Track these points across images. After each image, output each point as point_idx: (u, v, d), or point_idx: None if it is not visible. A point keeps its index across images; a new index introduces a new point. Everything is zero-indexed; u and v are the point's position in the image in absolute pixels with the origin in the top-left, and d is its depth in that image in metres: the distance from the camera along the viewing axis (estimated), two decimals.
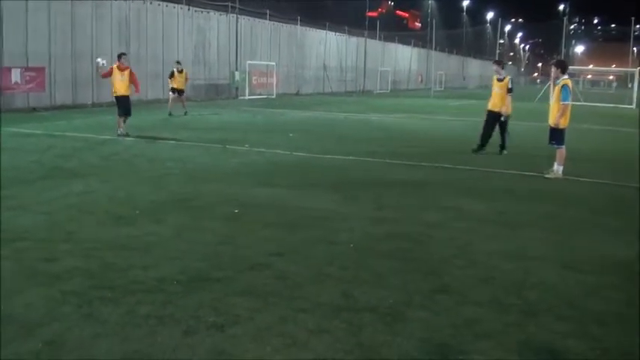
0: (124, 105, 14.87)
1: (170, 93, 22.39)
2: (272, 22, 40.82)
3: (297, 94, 42.35)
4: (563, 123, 10.68)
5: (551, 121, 10.77)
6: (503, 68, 14.15)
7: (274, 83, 38.61)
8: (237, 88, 35.18)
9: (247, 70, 35.72)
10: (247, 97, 34.67)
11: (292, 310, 4.40)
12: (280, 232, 6.48)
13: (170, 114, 21.25)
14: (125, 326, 4.07)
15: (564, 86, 10.57)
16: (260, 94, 36.64)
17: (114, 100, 15.32)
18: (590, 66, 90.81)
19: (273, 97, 37.27)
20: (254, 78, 37.14)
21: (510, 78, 14.00)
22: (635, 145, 17.32)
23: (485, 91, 55.56)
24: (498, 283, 5.19)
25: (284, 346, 3.86)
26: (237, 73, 35.11)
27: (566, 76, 10.79)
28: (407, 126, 20.70)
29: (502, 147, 13.71)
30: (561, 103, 10.54)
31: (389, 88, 56.40)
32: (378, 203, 8.09)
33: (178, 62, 23.20)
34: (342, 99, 39.33)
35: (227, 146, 13.20)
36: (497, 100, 13.62)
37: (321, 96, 42.51)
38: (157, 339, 3.90)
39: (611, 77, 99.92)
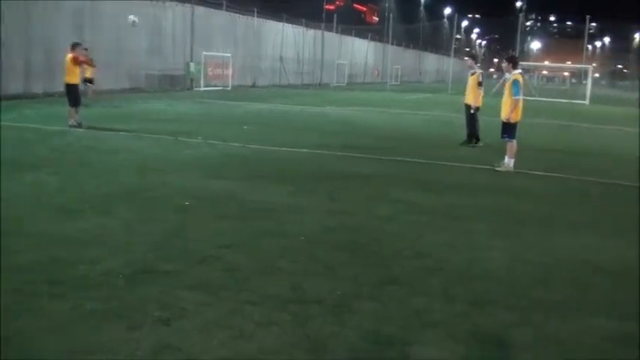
0: (74, 95, 14.55)
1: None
2: (229, 13, 40.44)
3: (253, 86, 42.08)
4: (515, 117, 10.87)
5: (504, 115, 10.95)
6: (476, 63, 14.96)
7: (230, 75, 38.23)
8: (192, 80, 34.75)
9: (203, 61, 35.31)
10: (202, 89, 34.29)
11: (240, 303, 4.38)
12: (231, 225, 6.43)
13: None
14: (71, 321, 3.98)
15: (515, 81, 10.76)
16: (215, 86, 36.24)
17: (65, 89, 14.96)
18: (545, 62, 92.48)
19: (229, 88, 36.94)
20: (209, 69, 36.66)
21: (481, 72, 14.55)
22: (585, 139, 17.81)
23: (441, 85, 56.52)
24: (447, 274, 5.26)
25: (230, 339, 3.83)
26: (192, 64, 34.68)
27: (517, 71, 10.98)
28: (362, 119, 20.78)
29: (470, 138, 14.21)
30: (513, 98, 10.74)
31: (345, 82, 56.54)
32: (331, 196, 8.11)
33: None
34: (299, 91, 39.29)
35: (179, 138, 13.03)
36: (469, 93, 14.26)
37: (278, 88, 42.37)
38: (102, 334, 3.83)
39: (566, 73, 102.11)
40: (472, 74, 14.37)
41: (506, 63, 11.26)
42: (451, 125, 19.96)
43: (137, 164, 9.89)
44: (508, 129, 10.93)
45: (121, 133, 13.71)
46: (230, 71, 38.30)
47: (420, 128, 18.50)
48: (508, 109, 10.85)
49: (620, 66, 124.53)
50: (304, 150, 12.18)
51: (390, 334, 4.02)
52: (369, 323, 4.17)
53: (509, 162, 10.91)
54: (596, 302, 4.87)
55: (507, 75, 11.23)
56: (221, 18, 39.23)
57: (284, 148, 12.26)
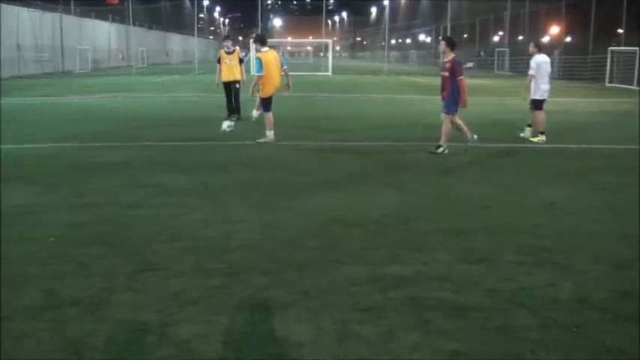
0: None
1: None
2: None
3: None
4: (265, 92, 11.37)
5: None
6: (231, 43, 15.86)
7: None
8: None
9: None
10: None
11: None
12: None
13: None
14: None
15: (257, 59, 11.30)
16: None
17: None
18: (289, 38, 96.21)
19: None
20: None
21: (238, 50, 16.00)
22: (329, 107, 19.03)
23: (189, 66, 56.04)
24: (201, 250, 5.37)
25: None
26: None
27: (265, 49, 11.46)
28: (109, 107, 19.90)
29: (237, 113, 15.22)
30: (256, 74, 11.32)
31: (90, 68, 53.57)
32: (78, 190, 7.73)
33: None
34: (40, 81, 36.36)
35: None
36: (230, 71, 15.35)
37: (18, 80, 38.79)
38: None
39: (309, 48, 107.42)
40: (232, 52, 15.47)
41: (256, 43, 11.82)
42: (199, 105, 20.09)
43: None
44: (263, 103, 11.49)
45: None
46: None
47: (168, 111, 18.26)
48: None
49: (359, 38, 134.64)
50: (48, 144, 11.40)
51: (148, 320, 4.01)
52: (127, 314, 4.11)
53: (269, 134, 11.51)
54: (346, 253, 5.34)
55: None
56: None
57: (26, 145, 11.37)
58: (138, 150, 10.92)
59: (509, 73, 47.80)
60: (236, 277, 4.74)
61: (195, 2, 61.94)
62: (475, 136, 10.84)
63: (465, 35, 70.15)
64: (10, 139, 12.01)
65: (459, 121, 10.71)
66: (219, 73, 15.48)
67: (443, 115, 10.62)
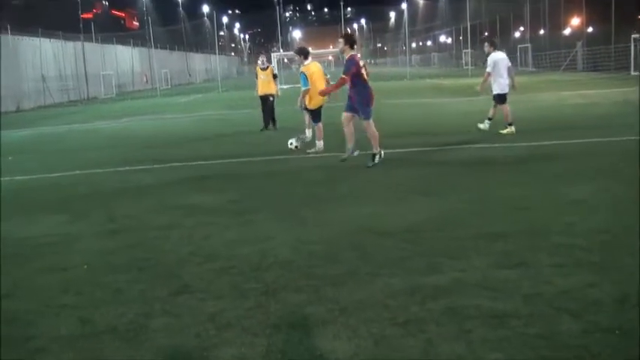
0: None
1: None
2: None
3: (17, 110, 38.80)
4: (313, 104, 11.58)
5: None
6: (268, 60, 17.40)
7: None
8: None
9: None
10: None
11: (29, 353, 4.04)
12: (5, 271, 5.84)
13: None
14: None
15: (301, 74, 11.50)
16: None
17: None
18: (310, 49, 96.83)
19: None
20: None
21: (272, 66, 17.18)
22: None
23: (212, 84, 56.42)
24: (236, 270, 5.33)
25: None
26: None
27: (308, 62, 11.66)
28: (135, 130, 20.18)
29: (274, 124, 16.40)
30: (303, 89, 11.52)
31: (114, 92, 54.37)
32: (109, 215, 7.78)
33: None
34: (66, 109, 36.98)
35: None
36: (265, 86, 16.28)
37: (44, 109, 39.49)
38: None
39: (330, 58, 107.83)
40: (265, 68, 16.36)
41: (298, 56, 12.00)
42: (224, 122, 20.22)
43: None
44: (313, 115, 11.70)
45: None
46: None
47: (193, 130, 18.39)
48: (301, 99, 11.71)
49: (379, 44, 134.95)
50: (77, 172, 11.53)
51: (187, 344, 3.99)
52: (165, 339, 4.09)
53: (319, 144, 11.64)
54: (381, 264, 5.26)
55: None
56: None
57: (55, 174, 11.51)
58: (166, 171, 11.00)
59: (533, 69, 47.28)
60: (272, 296, 4.69)
61: (215, 21, 62.58)
62: (356, 152, 10.35)
63: (486, 33, 69.68)
64: (36, 169, 12.22)
65: (347, 129, 10.16)
66: (257, 88, 16.68)
67: (364, 123, 9.95)
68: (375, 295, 4.58)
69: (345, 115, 10.06)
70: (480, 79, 13.86)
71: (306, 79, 11.36)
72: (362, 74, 9.76)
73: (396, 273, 5.02)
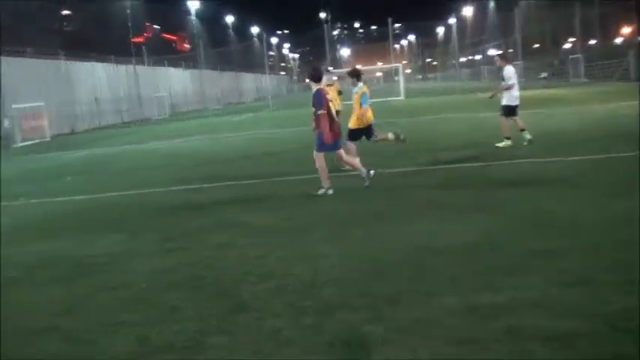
0: None
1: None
2: (34, 60, 38.23)
3: (72, 133, 40.05)
4: (358, 124, 11.44)
5: (352, 124, 11.54)
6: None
7: (46, 125, 35.96)
8: (7, 137, 32.15)
9: (15, 114, 32.77)
10: (20, 145, 31.93)
11: None
12: (65, 288, 6.02)
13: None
14: None
15: (363, 94, 11.33)
16: (33, 139, 33.86)
17: None
18: (358, 67, 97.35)
19: (48, 139, 34.80)
20: (24, 122, 34.08)
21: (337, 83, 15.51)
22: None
23: (262, 103, 57.20)
24: (291, 288, 5.34)
25: None
26: (6, 120, 32.11)
27: (361, 84, 11.56)
28: (189, 149, 20.56)
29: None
30: (362, 107, 11.31)
31: (167, 113, 55.59)
32: (165, 234, 7.90)
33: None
34: (120, 131, 37.96)
35: None
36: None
37: (98, 131, 40.66)
38: None
39: (378, 74, 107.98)
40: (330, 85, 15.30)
41: (350, 77, 11.94)
42: (270, 140, 20.40)
43: None
44: (355, 135, 11.49)
45: None
46: (45, 121, 36.05)
47: (245, 149, 18.59)
48: (355, 118, 11.46)
49: (428, 60, 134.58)
50: (132, 192, 11.80)
51: None
52: (222, 357, 4.13)
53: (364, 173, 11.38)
54: (437, 282, 5.20)
55: (355, 88, 11.68)
56: (26, 66, 36.93)
57: (110, 194, 11.80)
58: (219, 190, 11.13)
59: (586, 80, 46.27)
60: (328, 315, 4.67)
61: (265, 41, 63.45)
62: (372, 172, 10.02)
63: (537, 45, 68.69)
64: (93, 189, 12.53)
65: (347, 158, 10.08)
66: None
67: (314, 153, 9.68)
68: (433, 314, 4.52)
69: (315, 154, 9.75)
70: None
71: (367, 97, 11.33)
72: (329, 107, 9.65)
73: (453, 291, 4.94)
